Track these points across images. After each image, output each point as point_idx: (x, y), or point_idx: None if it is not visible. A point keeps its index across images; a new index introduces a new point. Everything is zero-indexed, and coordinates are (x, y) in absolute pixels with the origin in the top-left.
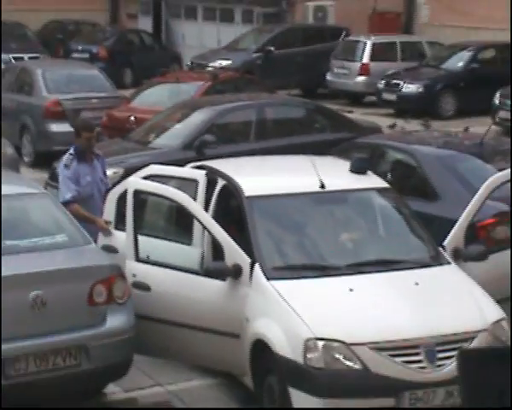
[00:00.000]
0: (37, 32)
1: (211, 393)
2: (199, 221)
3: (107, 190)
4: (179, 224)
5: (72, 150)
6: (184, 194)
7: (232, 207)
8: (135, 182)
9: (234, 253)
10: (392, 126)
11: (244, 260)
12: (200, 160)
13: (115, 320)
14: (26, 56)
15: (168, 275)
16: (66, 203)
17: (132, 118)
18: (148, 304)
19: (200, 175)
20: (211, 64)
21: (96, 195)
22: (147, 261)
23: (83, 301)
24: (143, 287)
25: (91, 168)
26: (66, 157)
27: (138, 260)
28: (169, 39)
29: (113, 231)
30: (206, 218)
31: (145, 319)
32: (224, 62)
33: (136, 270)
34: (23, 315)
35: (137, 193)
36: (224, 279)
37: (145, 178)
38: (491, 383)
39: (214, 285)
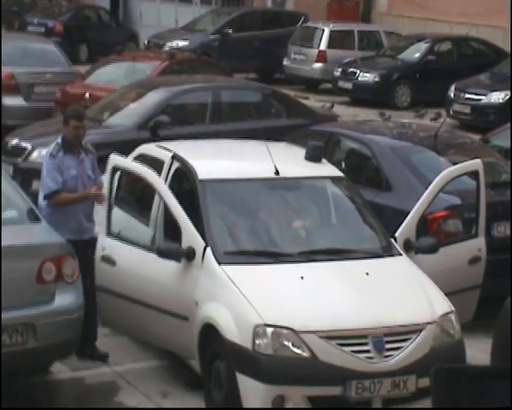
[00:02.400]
0: None
1: (157, 375)
2: (164, 202)
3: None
4: (147, 203)
5: (59, 140)
6: (155, 174)
7: (186, 190)
8: (114, 158)
9: (191, 236)
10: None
11: (199, 243)
12: (154, 140)
13: (63, 299)
14: None
15: (131, 252)
16: (51, 195)
17: (87, 95)
18: (111, 278)
19: (166, 156)
20: (168, 44)
21: (79, 191)
22: (116, 237)
23: (31, 278)
24: (110, 261)
25: (78, 162)
26: (52, 146)
27: (109, 234)
28: (126, 17)
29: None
30: (171, 199)
31: (108, 293)
32: (182, 43)
33: (105, 244)
34: None
35: (115, 169)
36: (179, 261)
37: (136, 157)
38: (463, 402)
39: (170, 266)
